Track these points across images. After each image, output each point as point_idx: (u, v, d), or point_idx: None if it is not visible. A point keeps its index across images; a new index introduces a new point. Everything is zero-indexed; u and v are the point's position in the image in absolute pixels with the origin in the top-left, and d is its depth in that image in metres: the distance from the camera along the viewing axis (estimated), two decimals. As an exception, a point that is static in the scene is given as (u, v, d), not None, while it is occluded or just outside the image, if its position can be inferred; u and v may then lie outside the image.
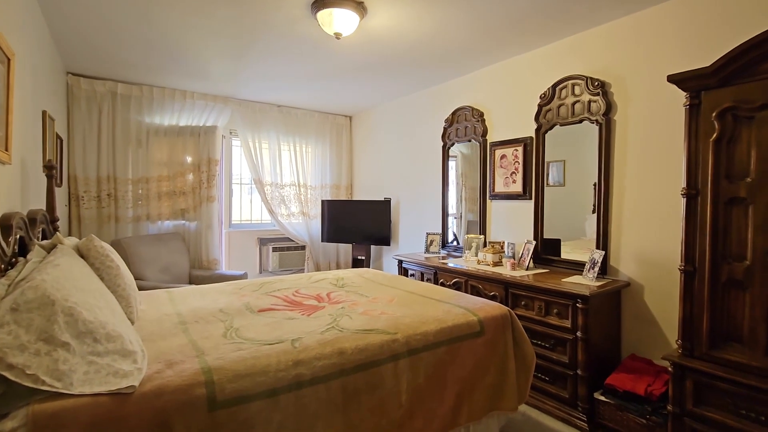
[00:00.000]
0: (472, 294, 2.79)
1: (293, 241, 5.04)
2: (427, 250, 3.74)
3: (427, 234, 3.79)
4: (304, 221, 5.08)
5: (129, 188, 4.00)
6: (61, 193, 3.43)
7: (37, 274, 1.22)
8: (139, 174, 4.06)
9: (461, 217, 3.78)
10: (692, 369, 1.73)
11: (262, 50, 3.10)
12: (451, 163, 3.82)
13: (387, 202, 4.56)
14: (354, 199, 5.46)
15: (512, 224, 3.18)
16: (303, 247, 5.12)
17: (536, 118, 2.90)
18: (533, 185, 2.95)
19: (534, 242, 2.84)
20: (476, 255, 3.20)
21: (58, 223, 2.24)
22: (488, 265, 2.96)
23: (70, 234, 3.76)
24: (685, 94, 1.75)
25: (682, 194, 1.78)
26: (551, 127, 2.82)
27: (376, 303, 2.16)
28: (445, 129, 3.78)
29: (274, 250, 4.95)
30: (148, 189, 4.10)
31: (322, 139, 5.23)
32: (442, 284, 3.11)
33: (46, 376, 1.05)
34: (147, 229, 4.10)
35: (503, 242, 3.12)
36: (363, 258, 4.75)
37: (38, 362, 1.06)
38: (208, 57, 3.29)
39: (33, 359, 1.05)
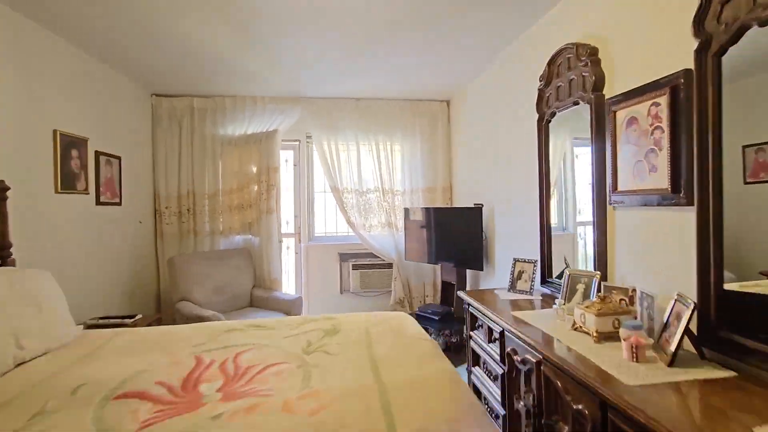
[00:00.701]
0: (546, 395, 1.44)
1: (378, 257, 4.24)
2: (512, 287, 2.38)
3: (515, 261, 2.43)
4: (390, 234, 4.22)
5: (206, 202, 3.93)
6: (139, 210, 3.54)
7: None
8: (214, 188, 3.96)
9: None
10: None
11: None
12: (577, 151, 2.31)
13: (477, 211, 3.29)
14: (452, 206, 4.30)
15: (653, 254, 1.60)
16: (389, 266, 4.27)
17: (697, 29, 1.31)
18: (696, 172, 1.34)
19: (694, 304, 1.26)
20: (574, 310, 1.73)
21: (12, 249, 2.02)
22: (591, 336, 1.51)
23: (156, 249, 3.90)
24: None
25: None
26: (735, 37, 1.20)
27: (284, 413, 1.16)
28: (540, 93, 2.35)
29: (354, 267, 4.25)
30: (221, 202, 3.97)
31: (410, 133, 4.27)
32: (509, 357, 1.79)
33: None
34: (220, 244, 3.98)
35: (632, 290, 1.58)
36: (454, 283, 3.58)
37: None
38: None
39: None
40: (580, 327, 1.59)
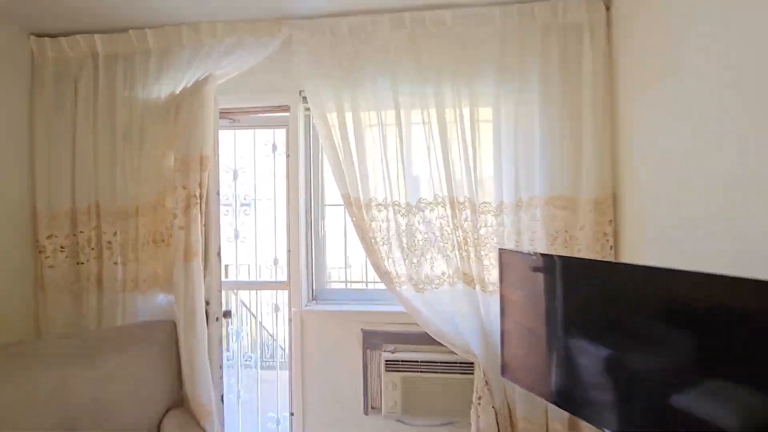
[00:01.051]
0: None
1: (443, 345, 1.95)
2: None
3: None
4: (467, 296, 1.92)
5: (117, 227, 2.08)
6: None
7: None
8: (131, 199, 2.08)
9: None
10: None
11: None
12: None
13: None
14: (616, 253, 1.81)
15: None
16: (468, 367, 1.95)
17: None
18: None
19: None
20: None
21: None
22: None
23: (37, 314, 2.13)
24: None
25: None
26: None
27: None
28: None
29: (390, 368, 2.01)
30: (137, 225, 2.07)
31: (516, 79, 1.91)
32: None
33: None
34: (137, 306, 2.07)
35: None
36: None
37: None
38: None
39: None
40: None
